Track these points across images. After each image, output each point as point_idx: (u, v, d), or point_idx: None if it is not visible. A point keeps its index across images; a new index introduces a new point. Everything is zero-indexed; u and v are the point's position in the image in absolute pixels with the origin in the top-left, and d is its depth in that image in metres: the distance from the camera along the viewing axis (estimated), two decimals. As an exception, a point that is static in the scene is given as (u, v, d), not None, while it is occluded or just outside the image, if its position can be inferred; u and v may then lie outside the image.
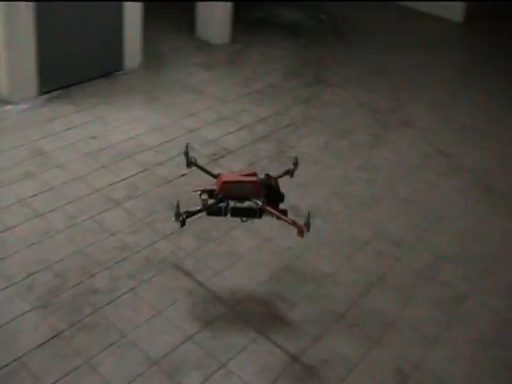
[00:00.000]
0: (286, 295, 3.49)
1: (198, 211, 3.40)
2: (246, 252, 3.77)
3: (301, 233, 3.27)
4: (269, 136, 5.13)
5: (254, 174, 3.49)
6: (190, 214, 3.38)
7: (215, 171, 4.44)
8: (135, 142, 4.78)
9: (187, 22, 7.28)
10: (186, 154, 3.66)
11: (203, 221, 3.96)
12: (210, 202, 3.38)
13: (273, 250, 3.82)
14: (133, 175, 4.37)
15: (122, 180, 4.29)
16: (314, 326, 3.31)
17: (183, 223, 3.34)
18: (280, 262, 3.73)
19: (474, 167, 5.12)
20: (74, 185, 4.19)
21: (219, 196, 3.38)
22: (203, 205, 3.37)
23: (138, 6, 5.88)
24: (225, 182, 3.37)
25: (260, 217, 3.42)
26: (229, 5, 6.93)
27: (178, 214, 3.32)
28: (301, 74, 6.43)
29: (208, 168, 4.45)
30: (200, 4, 6.94)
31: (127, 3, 5.76)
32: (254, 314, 3.35)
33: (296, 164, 3.75)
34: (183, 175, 4.42)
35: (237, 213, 3.41)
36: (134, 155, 4.61)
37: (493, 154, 5.40)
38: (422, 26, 8.86)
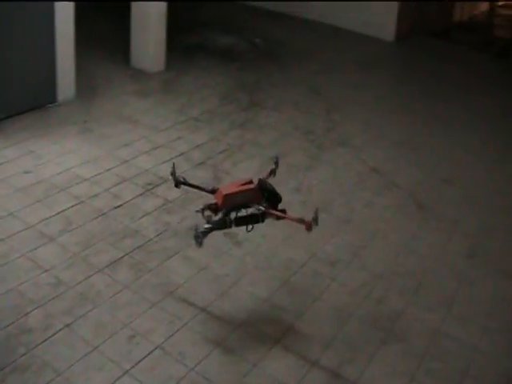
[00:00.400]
0: (222, 322, 3.50)
1: (210, 229, 3.37)
2: (181, 282, 3.77)
3: (309, 228, 3.38)
4: (205, 163, 5.16)
5: (250, 181, 3.55)
6: (209, 230, 3.36)
7: (150, 201, 4.50)
8: (69, 175, 4.75)
9: (122, 51, 7.29)
10: (173, 174, 3.62)
11: (138, 253, 3.96)
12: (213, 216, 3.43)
13: (209, 278, 3.83)
14: (67, 209, 4.33)
15: (56, 214, 4.26)
16: (252, 352, 3.32)
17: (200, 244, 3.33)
18: (216, 289, 3.74)
19: (406, 184, 5.24)
20: (6, 222, 4.14)
21: (223, 210, 3.39)
22: (207, 221, 3.38)
23: (71, 36, 5.86)
24: (226, 195, 3.42)
25: (263, 221, 3.49)
26: (163, 32, 6.97)
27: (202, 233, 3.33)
28: (237, 99, 6.50)
29: (141, 199, 4.49)
30: (134, 32, 6.95)
31: (59, 34, 5.74)
32: (191, 343, 3.35)
33: (277, 163, 3.81)
34: (119, 206, 4.41)
35: (241, 222, 3.47)
36: (69, 188, 4.57)
37: (424, 171, 5.54)
38: (355, 45, 9.06)
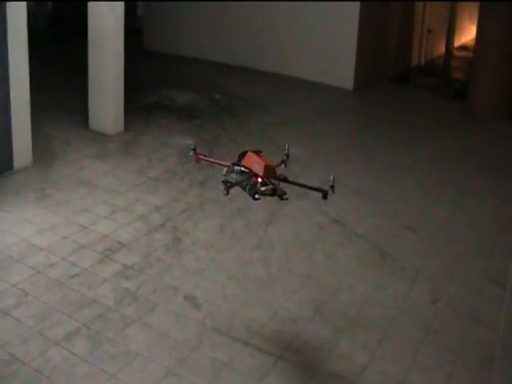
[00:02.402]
0: (184, 390, 3.43)
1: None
2: (140, 350, 3.69)
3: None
4: (164, 225, 5.12)
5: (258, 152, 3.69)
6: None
7: (108, 267, 4.44)
8: (25, 245, 4.67)
9: (80, 113, 7.29)
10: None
11: (96, 323, 3.88)
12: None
13: (169, 345, 3.76)
14: (23, 280, 4.25)
15: (12, 287, 4.17)
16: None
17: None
18: (176, 356, 3.66)
19: (368, 233, 5.25)
20: (-40, 298, 4.05)
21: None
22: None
23: (26, 100, 5.85)
24: (267, 166, 3.53)
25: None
26: (121, 93, 6.99)
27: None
28: (196, 157, 6.50)
29: (100, 266, 4.44)
30: (91, 94, 6.96)
31: (14, 99, 5.72)
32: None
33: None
34: (76, 275, 4.34)
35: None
36: (24, 259, 4.50)
37: (386, 219, 5.56)
38: (315, 95, 9.17)
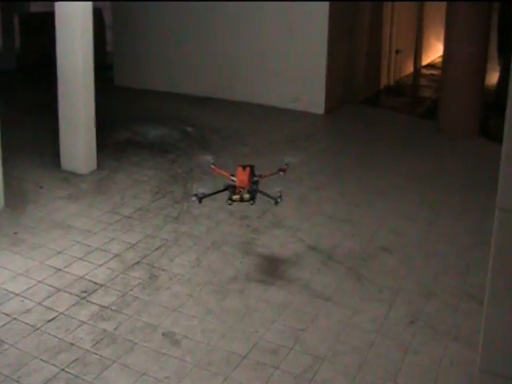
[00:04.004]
0: (166, 430, 3.40)
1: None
2: (120, 392, 3.67)
3: (284, 172, 4.97)
4: (140, 262, 5.10)
5: (245, 167, 4.80)
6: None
7: (85, 309, 4.40)
8: (-1, 292, 4.64)
9: (51, 154, 7.28)
10: (196, 195, 4.72)
11: (74, 367, 3.85)
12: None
13: (148, 385, 3.73)
14: (-2, 329, 4.21)
15: (-13, 336, 4.13)
16: None
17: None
18: (156, 395, 3.64)
19: (345, 258, 5.27)
20: None
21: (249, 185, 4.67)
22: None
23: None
24: (247, 179, 4.67)
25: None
26: (92, 131, 6.99)
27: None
28: (170, 191, 6.52)
29: (76, 308, 4.42)
30: (63, 133, 6.95)
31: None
32: None
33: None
34: (52, 319, 4.30)
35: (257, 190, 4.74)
36: (-1, 306, 4.46)
37: (362, 242, 5.59)
38: (286, 123, 9.24)
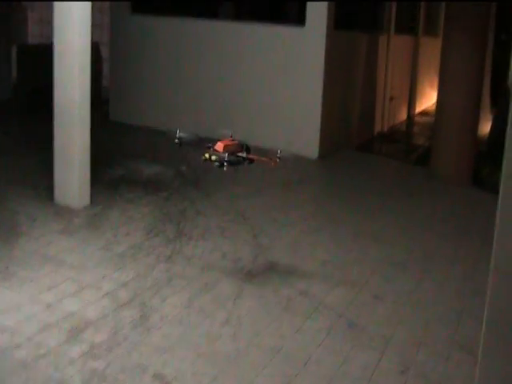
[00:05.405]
0: None
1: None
2: (108, 433, 3.62)
3: (275, 163, 5.08)
4: (132, 301, 5.07)
5: (234, 140, 5.16)
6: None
7: (75, 346, 4.37)
8: (-11, 327, 4.60)
9: (45, 187, 7.28)
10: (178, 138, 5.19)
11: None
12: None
13: (137, 427, 3.69)
14: (-13, 364, 4.16)
15: (-25, 372, 4.08)
16: None
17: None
18: None
19: (336, 304, 5.26)
20: None
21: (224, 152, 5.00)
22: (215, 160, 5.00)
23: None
24: (226, 145, 5.04)
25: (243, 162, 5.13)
26: (87, 166, 7.00)
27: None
28: (163, 230, 6.51)
29: (66, 345, 4.39)
30: (57, 167, 6.94)
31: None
32: None
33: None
34: (42, 355, 4.26)
35: (232, 162, 5.05)
36: (-12, 341, 4.42)
37: (354, 289, 5.59)
38: (280, 165, 9.23)
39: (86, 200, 7.08)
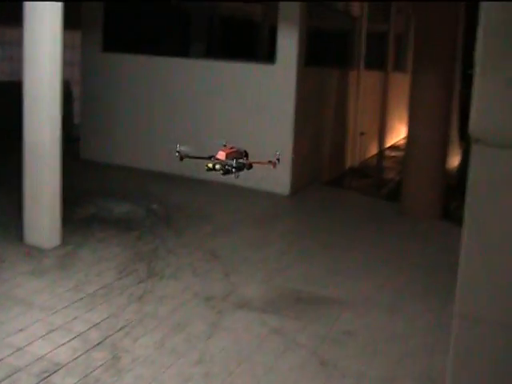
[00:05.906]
0: None
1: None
2: None
3: (274, 166, 5.18)
4: (103, 342, 5.02)
5: (233, 147, 5.18)
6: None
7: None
8: (-44, 373, 4.52)
9: (15, 226, 7.21)
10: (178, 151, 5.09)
11: None
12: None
13: None
14: (-47, 412, 4.09)
15: None
16: None
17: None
18: None
19: (308, 341, 5.26)
20: None
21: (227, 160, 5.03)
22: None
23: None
24: (228, 153, 5.06)
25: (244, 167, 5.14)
26: (57, 205, 6.95)
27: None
28: (135, 270, 6.47)
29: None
30: (26, 206, 6.89)
31: None
32: None
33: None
34: (11, 401, 4.20)
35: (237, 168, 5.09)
36: (-45, 388, 4.34)
37: (326, 325, 5.59)
38: (251, 202, 9.32)
39: (57, 240, 7.02)
